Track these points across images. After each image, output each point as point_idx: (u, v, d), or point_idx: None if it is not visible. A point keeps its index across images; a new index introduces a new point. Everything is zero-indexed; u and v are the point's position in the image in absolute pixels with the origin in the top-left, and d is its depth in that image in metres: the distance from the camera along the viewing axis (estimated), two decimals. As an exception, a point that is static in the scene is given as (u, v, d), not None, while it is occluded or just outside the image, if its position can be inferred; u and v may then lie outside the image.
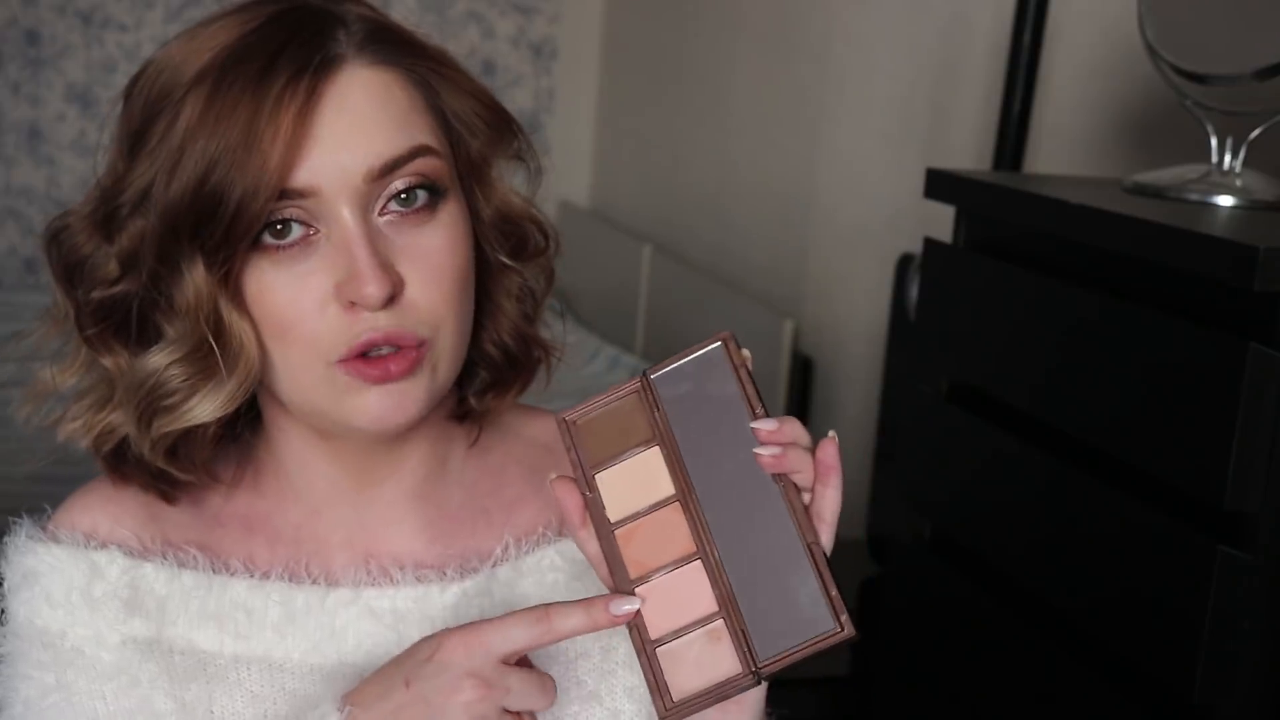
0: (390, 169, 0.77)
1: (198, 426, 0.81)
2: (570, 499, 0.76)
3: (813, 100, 2.61)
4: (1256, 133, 1.22)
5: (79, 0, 3.56)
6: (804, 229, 2.64)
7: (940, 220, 1.48)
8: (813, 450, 0.74)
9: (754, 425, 0.73)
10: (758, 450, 0.73)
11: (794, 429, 0.74)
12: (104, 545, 0.85)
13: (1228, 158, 1.23)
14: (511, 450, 0.93)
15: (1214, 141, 1.23)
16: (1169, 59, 1.23)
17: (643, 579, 0.74)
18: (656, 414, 0.77)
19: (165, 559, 0.85)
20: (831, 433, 0.75)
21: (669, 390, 0.77)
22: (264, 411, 0.87)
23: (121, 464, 0.85)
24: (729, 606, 0.72)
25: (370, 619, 0.85)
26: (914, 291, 1.81)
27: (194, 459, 0.84)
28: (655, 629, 0.73)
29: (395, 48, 0.80)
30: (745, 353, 0.76)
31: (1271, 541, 0.97)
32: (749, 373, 0.76)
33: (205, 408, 0.79)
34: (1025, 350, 1.23)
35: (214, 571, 0.85)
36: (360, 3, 0.83)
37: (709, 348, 0.77)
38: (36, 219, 3.64)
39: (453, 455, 0.91)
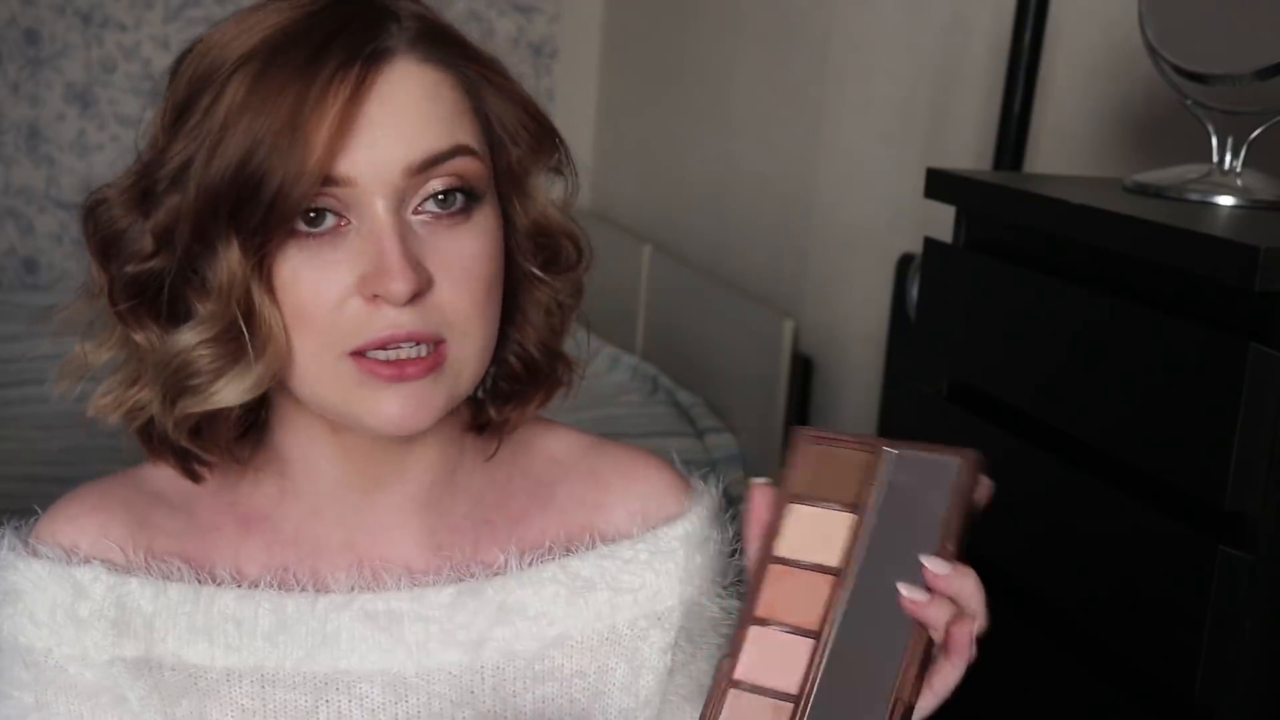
0: (429, 165, 0.76)
1: (222, 410, 0.80)
2: (763, 510, 0.75)
3: (813, 100, 2.61)
4: (1257, 133, 1.22)
5: (79, 0, 3.56)
6: (804, 229, 2.64)
7: (940, 220, 1.48)
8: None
9: (923, 560, 0.70)
10: (900, 585, 0.70)
11: (962, 585, 0.71)
12: (86, 561, 0.83)
13: (1228, 158, 1.23)
14: (520, 463, 0.92)
15: (1214, 141, 1.23)
16: (1169, 59, 1.22)
17: (763, 621, 0.73)
18: (872, 486, 0.74)
19: (150, 573, 0.83)
20: (980, 621, 0.72)
21: (896, 475, 0.74)
22: (274, 402, 0.85)
23: (149, 441, 0.84)
24: (803, 700, 0.71)
25: (364, 621, 0.84)
26: (914, 291, 1.81)
27: (217, 441, 0.83)
28: (743, 672, 0.73)
29: (447, 48, 0.80)
30: (986, 482, 0.73)
31: (1271, 541, 0.97)
32: (969, 503, 0.72)
33: (231, 391, 0.78)
34: (1025, 350, 1.23)
35: (200, 583, 0.83)
36: (415, 1, 0.82)
37: (951, 458, 0.73)
38: (36, 219, 3.64)
39: (463, 465, 0.89)
